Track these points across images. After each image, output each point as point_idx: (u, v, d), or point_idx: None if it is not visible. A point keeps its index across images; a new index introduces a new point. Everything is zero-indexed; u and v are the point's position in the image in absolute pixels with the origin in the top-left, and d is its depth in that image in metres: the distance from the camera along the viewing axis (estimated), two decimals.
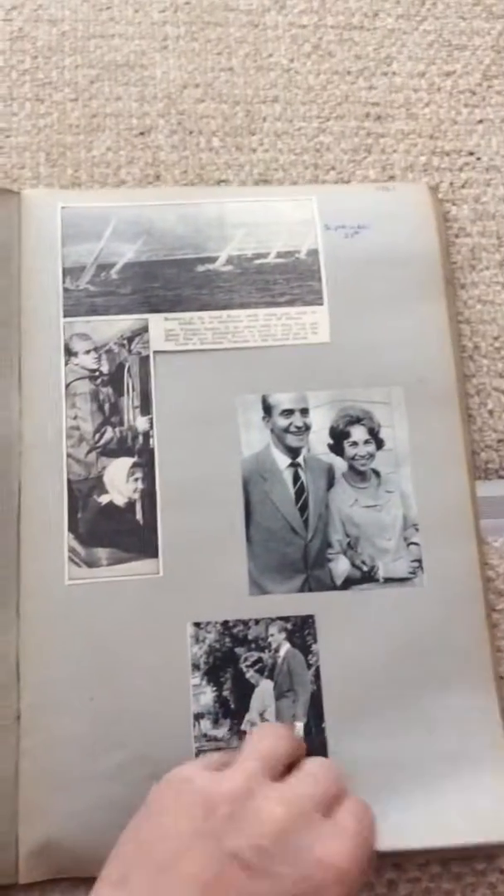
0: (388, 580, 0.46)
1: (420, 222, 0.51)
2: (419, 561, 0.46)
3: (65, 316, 0.48)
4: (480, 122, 0.56)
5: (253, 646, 0.44)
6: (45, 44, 0.55)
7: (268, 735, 0.39)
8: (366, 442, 0.48)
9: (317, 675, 0.44)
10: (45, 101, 0.54)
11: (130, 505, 0.45)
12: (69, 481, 0.46)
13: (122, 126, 0.54)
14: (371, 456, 0.47)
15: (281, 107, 0.55)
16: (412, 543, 0.46)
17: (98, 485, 0.46)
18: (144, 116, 0.54)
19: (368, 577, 0.46)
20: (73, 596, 0.44)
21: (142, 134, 0.53)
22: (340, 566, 0.46)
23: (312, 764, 0.39)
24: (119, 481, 0.46)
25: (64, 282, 0.48)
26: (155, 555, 0.45)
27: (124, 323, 0.48)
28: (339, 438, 0.48)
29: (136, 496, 0.46)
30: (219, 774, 0.37)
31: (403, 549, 0.46)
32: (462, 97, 0.56)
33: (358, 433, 0.48)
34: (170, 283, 0.49)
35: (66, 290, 0.48)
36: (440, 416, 0.48)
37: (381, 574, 0.46)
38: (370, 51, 0.56)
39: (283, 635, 0.44)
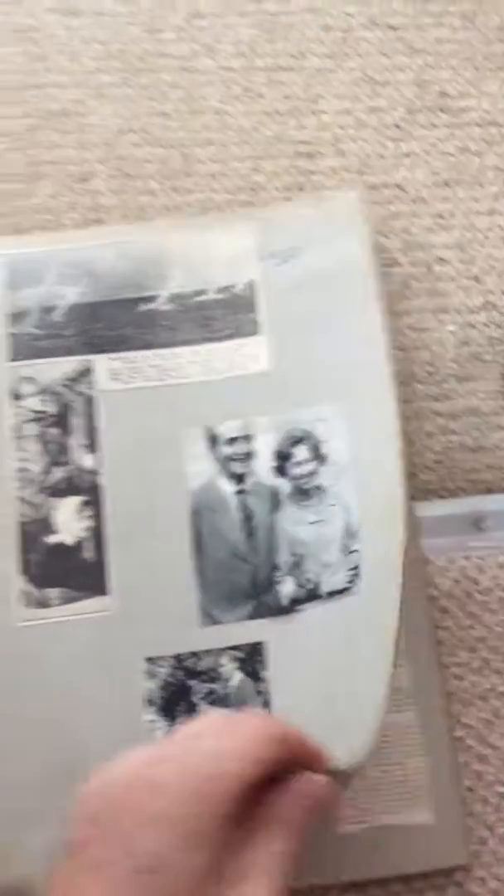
0: (331, 593, 0.45)
1: (351, 233, 0.51)
2: (356, 568, 0.45)
3: (11, 360, 0.49)
4: (406, 155, 0.58)
5: (205, 678, 0.45)
6: None
7: None
8: (308, 460, 0.48)
9: (266, 703, 0.45)
10: None
11: (79, 543, 0.46)
12: (19, 523, 0.46)
13: (61, 173, 0.55)
14: (314, 473, 0.48)
15: (215, 148, 0.56)
16: (352, 551, 0.46)
17: (47, 525, 0.46)
18: (83, 163, 0.55)
19: (313, 594, 0.46)
20: (25, 637, 0.44)
21: (82, 180, 0.55)
22: (287, 587, 0.46)
23: None
24: (68, 520, 0.47)
25: (9, 326, 0.50)
26: (105, 592, 0.45)
27: (69, 364, 0.49)
28: (283, 460, 0.48)
29: (85, 534, 0.46)
30: None
31: (343, 558, 0.46)
32: (388, 132, 0.58)
33: (301, 453, 0.48)
34: (113, 323, 0.50)
35: (11, 334, 0.49)
36: (377, 424, 0.47)
37: (323, 589, 0.46)
38: (298, 91, 0.58)
39: (235, 665, 0.45)
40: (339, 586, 0.46)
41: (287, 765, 0.33)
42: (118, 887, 0.28)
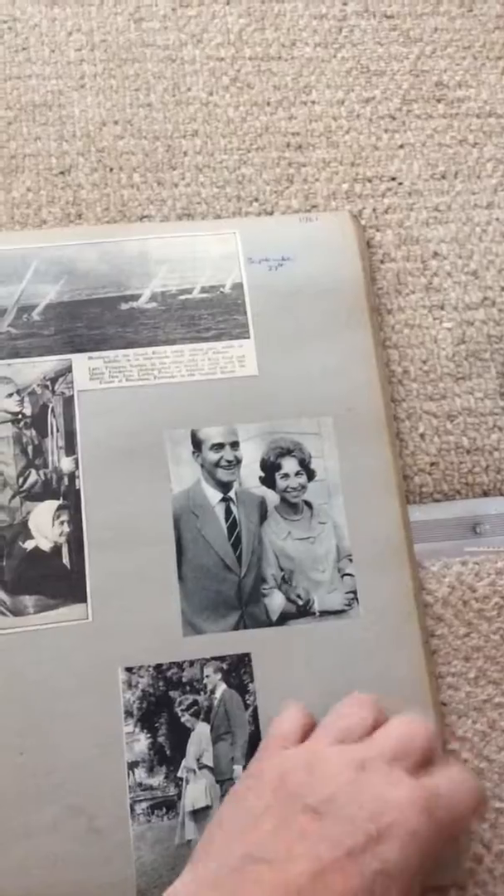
0: (324, 613, 0.45)
1: (343, 251, 0.51)
2: (354, 592, 0.45)
3: None
4: (401, 146, 0.56)
5: (188, 688, 0.43)
6: None
7: (346, 715, 0.40)
8: (297, 473, 0.47)
9: (255, 716, 0.43)
10: None
11: (57, 549, 0.45)
12: None
13: (41, 166, 0.53)
14: (303, 487, 0.47)
15: (201, 140, 0.55)
16: (346, 574, 0.45)
17: (23, 530, 0.45)
18: (64, 155, 0.53)
19: (304, 611, 0.45)
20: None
21: (62, 173, 0.53)
22: (275, 601, 0.45)
23: (396, 723, 0.39)
24: (44, 525, 0.45)
25: None
26: (83, 599, 0.44)
27: (47, 364, 0.48)
28: (270, 471, 0.47)
29: (63, 540, 0.45)
30: (292, 750, 0.39)
31: (338, 580, 0.45)
32: (382, 123, 0.56)
33: (289, 465, 0.47)
34: (93, 322, 0.49)
35: None
36: (370, 444, 0.48)
37: (316, 607, 0.45)
38: (289, 81, 0.57)
39: (219, 676, 0.43)
40: (335, 607, 0.45)
41: None
42: None
